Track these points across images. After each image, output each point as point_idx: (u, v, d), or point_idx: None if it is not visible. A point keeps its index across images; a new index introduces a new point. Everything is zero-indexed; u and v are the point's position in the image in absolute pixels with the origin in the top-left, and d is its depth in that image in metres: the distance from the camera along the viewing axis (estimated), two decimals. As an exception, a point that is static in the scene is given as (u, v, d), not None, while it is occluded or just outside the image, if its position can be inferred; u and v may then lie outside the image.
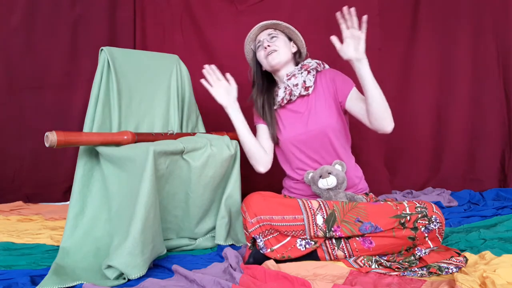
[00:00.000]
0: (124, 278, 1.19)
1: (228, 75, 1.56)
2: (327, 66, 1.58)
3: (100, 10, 2.51)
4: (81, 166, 1.49)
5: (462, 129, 2.55)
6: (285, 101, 1.52)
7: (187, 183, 1.48)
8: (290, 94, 1.50)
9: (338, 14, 1.23)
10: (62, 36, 2.48)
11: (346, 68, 1.43)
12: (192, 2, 2.57)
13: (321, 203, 1.28)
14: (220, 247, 1.51)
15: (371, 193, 1.52)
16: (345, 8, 1.22)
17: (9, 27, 2.40)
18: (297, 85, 1.48)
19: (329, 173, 1.36)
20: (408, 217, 1.21)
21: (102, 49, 1.60)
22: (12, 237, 1.58)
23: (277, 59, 1.50)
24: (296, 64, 1.57)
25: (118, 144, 1.45)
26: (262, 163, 1.54)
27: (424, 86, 2.58)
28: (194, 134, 1.68)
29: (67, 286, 1.11)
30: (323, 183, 1.36)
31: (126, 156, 1.38)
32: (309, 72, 1.50)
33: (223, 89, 1.55)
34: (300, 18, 2.55)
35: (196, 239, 1.56)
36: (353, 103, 1.43)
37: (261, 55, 1.55)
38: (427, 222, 1.20)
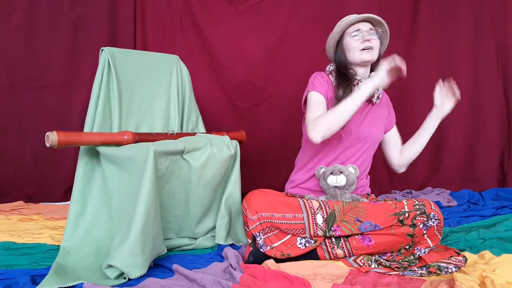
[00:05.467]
0: (125, 278, 1.19)
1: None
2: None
3: (100, 10, 2.51)
4: (82, 166, 1.49)
5: (461, 129, 2.55)
6: None
7: (187, 183, 1.48)
8: (372, 95, 1.45)
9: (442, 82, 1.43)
10: (62, 36, 2.48)
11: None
12: (192, 2, 2.57)
13: (321, 203, 1.29)
14: (220, 247, 1.51)
15: (372, 195, 1.53)
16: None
17: (9, 27, 2.41)
18: (378, 89, 1.46)
19: (341, 172, 1.37)
20: (407, 214, 1.22)
21: (102, 49, 1.60)
22: (12, 236, 1.58)
23: (371, 56, 1.43)
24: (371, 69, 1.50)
25: (118, 144, 1.45)
26: None
27: (424, 86, 2.58)
28: (194, 134, 1.68)
29: (67, 285, 1.11)
30: (332, 180, 1.37)
31: (126, 156, 1.38)
32: None
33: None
34: (300, 18, 2.56)
35: (196, 238, 1.56)
36: (392, 136, 1.59)
37: (356, 44, 1.44)
38: (425, 219, 1.21)
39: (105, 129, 1.54)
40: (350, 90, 1.41)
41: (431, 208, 1.22)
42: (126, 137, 1.45)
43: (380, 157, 2.58)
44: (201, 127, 1.91)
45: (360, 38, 1.44)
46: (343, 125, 1.34)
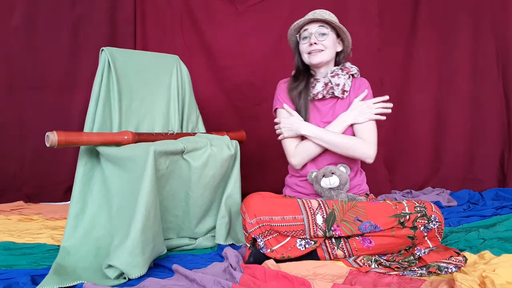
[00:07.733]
0: (125, 278, 1.19)
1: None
2: (359, 74, 1.54)
3: (100, 10, 2.52)
4: (82, 166, 1.49)
5: (461, 129, 2.55)
6: (319, 96, 1.47)
7: (187, 183, 1.48)
8: (328, 92, 1.46)
9: None
10: (62, 36, 2.48)
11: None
12: (192, 2, 2.58)
13: (320, 202, 1.29)
14: (220, 247, 1.51)
15: (371, 194, 1.53)
16: None
17: (9, 27, 2.41)
18: (338, 85, 1.44)
19: (333, 173, 1.37)
20: (408, 217, 1.22)
21: (102, 49, 1.60)
22: (12, 236, 1.59)
23: (320, 58, 1.45)
24: (336, 64, 1.53)
25: (118, 144, 1.45)
26: None
27: (424, 86, 2.59)
28: (194, 134, 1.68)
29: (67, 285, 1.11)
30: (326, 182, 1.37)
31: (126, 156, 1.38)
32: (349, 76, 1.47)
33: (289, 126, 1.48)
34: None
35: (196, 238, 1.56)
36: None
37: (304, 48, 1.48)
38: (426, 222, 1.21)
39: (105, 129, 1.54)
40: (305, 89, 1.48)
41: (432, 210, 1.22)
42: (126, 137, 1.45)
43: (379, 157, 2.60)
44: (201, 127, 1.91)
45: (307, 42, 1.46)
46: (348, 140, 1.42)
